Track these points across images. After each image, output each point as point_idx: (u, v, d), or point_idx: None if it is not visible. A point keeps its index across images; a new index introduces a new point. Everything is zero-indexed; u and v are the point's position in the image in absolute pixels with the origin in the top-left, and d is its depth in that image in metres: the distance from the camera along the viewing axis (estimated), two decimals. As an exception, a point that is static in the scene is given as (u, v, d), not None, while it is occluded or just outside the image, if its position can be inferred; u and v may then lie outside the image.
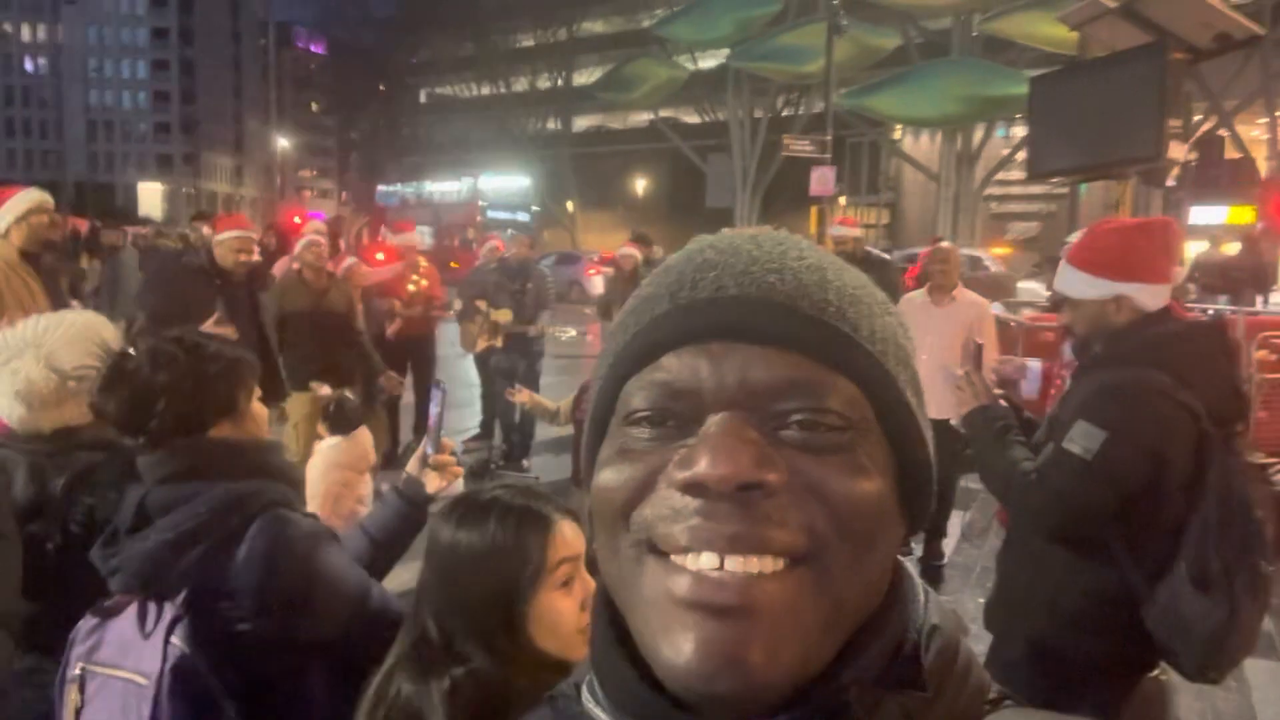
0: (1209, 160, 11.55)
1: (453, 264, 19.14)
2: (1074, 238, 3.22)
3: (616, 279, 8.30)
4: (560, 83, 52.05)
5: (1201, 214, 18.79)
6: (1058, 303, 2.50)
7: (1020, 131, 25.53)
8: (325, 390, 4.97)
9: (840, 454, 0.52)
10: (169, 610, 1.57)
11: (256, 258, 5.23)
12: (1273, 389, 6.30)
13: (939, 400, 2.05)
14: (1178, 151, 7.54)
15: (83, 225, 14.91)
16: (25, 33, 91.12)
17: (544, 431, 7.22)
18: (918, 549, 5.29)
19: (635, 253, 8.08)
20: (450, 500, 1.52)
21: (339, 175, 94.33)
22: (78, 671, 1.62)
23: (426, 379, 7.63)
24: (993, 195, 34.04)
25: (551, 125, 53.23)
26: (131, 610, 1.60)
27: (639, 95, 36.79)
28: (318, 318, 5.72)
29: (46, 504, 1.93)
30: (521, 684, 1.31)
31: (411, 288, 7.60)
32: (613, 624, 0.57)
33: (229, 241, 4.97)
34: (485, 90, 56.95)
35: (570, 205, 41.35)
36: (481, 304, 7.52)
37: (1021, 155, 16.84)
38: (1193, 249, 13.43)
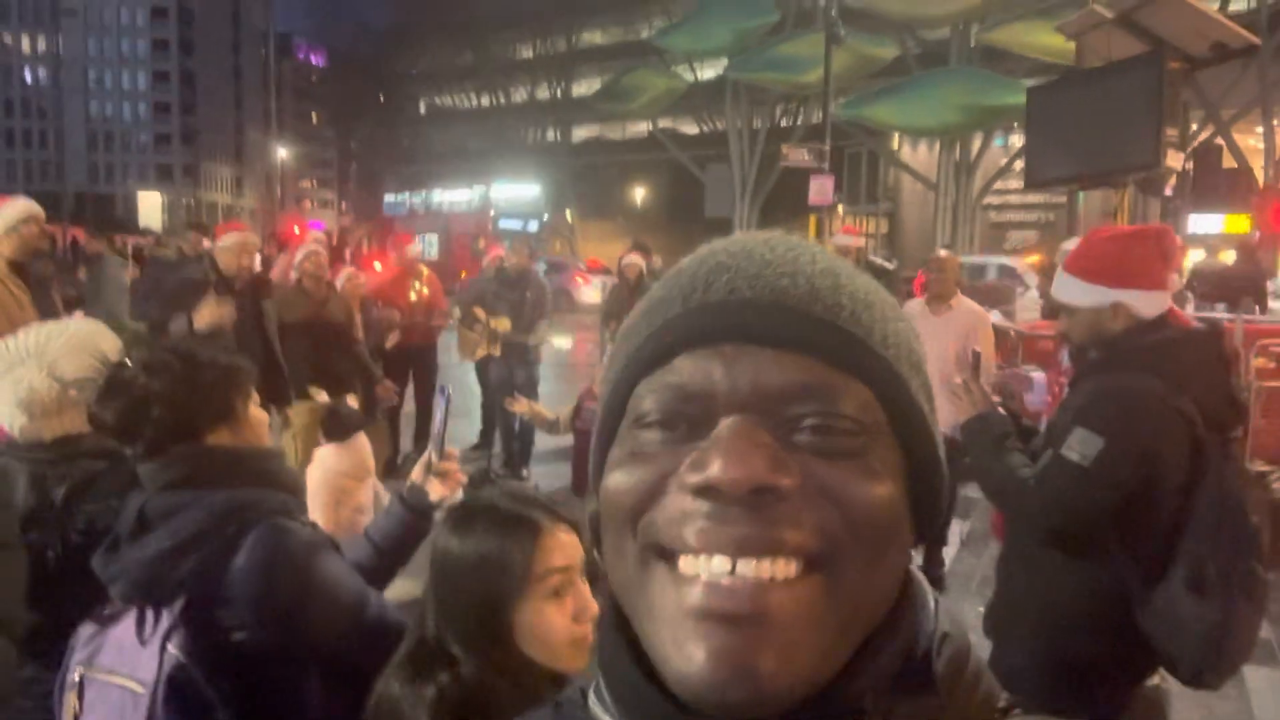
0: (1206, 169, 11.61)
1: (463, 273, 19.11)
2: (1070, 245, 3.23)
3: (620, 287, 8.31)
4: (559, 93, 52.22)
5: (1199, 223, 18.84)
6: (1055, 310, 2.50)
7: (1018, 140, 25.54)
8: (323, 398, 4.98)
9: (853, 458, 0.51)
10: (166, 618, 1.57)
11: (259, 267, 5.26)
12: (1271, 397, 6.31)
13: (939, 410, 2.05)
14: (1175, 160, 7.56)
15: (83, 236, 14.96)
16: (25, 44, 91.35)
17: (543, 441, 7.22)
18: (917, 557, 5.29)
19: (639, 261, 8.09)
20: (449, 507, 1.53)
21: (339, 185, 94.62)
22: (76, 677, 1.62)
23: (428, 388, 7.64)
24: (991, 204, 34.10)
25: (551, 136, 53.37)
26: (131, 617, 1.60)
27: (637, 106, 36.89)
28: (317, 327, 5.74)
29: (47, 513, 1.93)
30: (507, 692, 1.32)
31: (413, 297, 7.62)
32: (620, 628, 0.56)
33: (231, 246, 5.01)
34: (485, 101, 57.13)
35: (569, 215, 41.44)
36: (480, 312, 7.53)
37: (1019, 164, 16.86)
38: (1192, 257, 13.47)
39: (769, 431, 0.51)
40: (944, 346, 4.79)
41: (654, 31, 36.69)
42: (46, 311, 4.37)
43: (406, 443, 7.60)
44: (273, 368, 5.11)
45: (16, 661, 1.77)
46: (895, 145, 36.45)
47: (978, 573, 5.37)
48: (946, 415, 2.56)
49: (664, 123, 41.56)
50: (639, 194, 51.27)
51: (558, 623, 1.38)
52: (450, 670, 1.36)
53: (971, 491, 5.28)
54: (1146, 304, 2.23)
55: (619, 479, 0.54)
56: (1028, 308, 12.96)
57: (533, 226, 34.21)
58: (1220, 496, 2.09)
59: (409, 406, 7.64)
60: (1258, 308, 11.72)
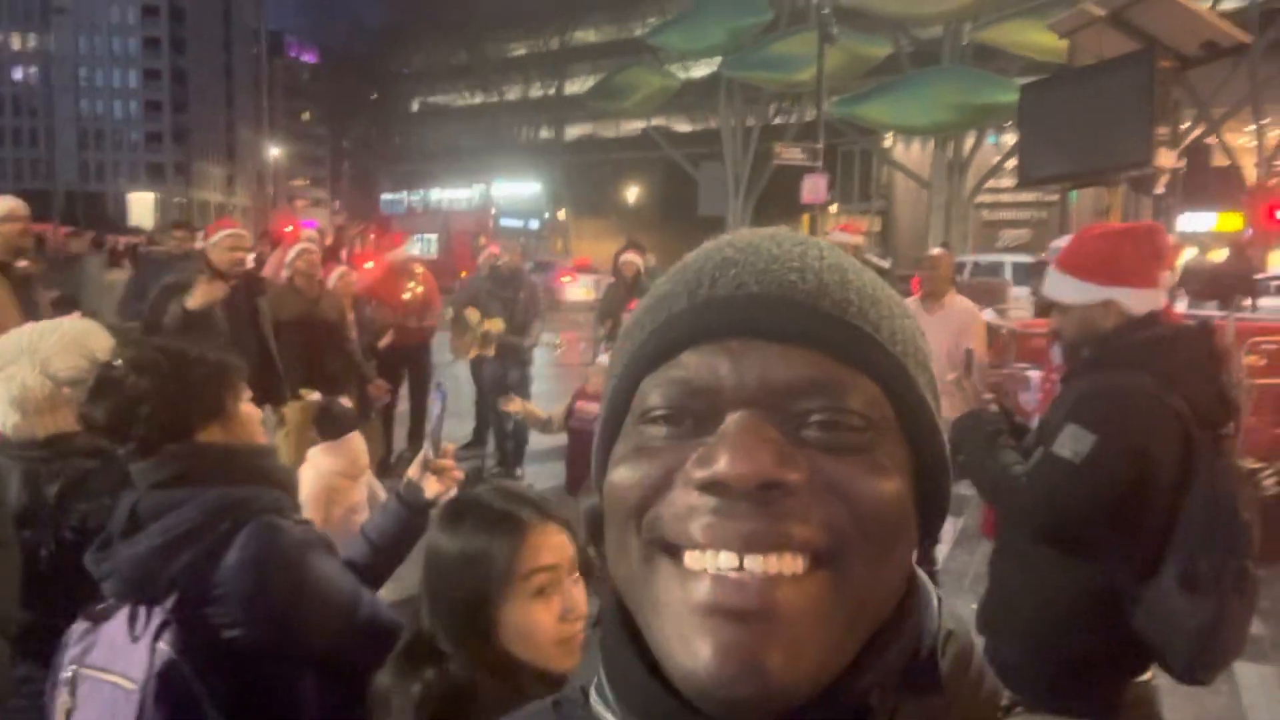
0: (1197, 168, 11.64)
1: (464, 272, 19.10)
2: (1061, 242, 3.25)
3: (616, 286, 8.31)
4: (553, 92, 52.20)
5: (1190, 221, 18.91)
6: (1046, 307, 2.51)
7: (1011, 139, 25.62)
8: (316, 397, 4.97)
9: (861, 454, 0.51)
10: (158, 615, 1.57)
11: (251, 264, 5.25)
12: (1263, 394, 6.34)
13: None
14: (1166, 159, 7.58)
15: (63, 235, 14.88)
16: (15, 41, 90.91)
17: (537, 440, 7.22)
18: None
19: (636, 259, 8.10)
20: (443, 503, 1.53)
21: (331, 184, 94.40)
22: (69, 674, 1.62)
23: (423, 388, 7.63)
24: (984, 203, 34.17)
25: (544, 134, 53.34)
26: (123, 614, 1.60)
27: (631, 104, 36.85)
28: (309, 326, 5.73)
29: (40, 511, 1.93)
30: (493, 689, 1.32)
31: (407, 296, 7.60)
32: (623, 625, 0.56)
33: (222, 241, 5.00)
34: (478, 99, 57.07)
35: (562, 213, 41.45)
36: (472, 315, 7.51)
37: (1012, 163, 16.91)
38: (1184, 256, 13.53)
39: (776, 427, 0.50)
40: (937, 344, 4.74)
41: (647, 30, 36.67)
42: (30, 311, 4.34)
43: (400, 442, 7.59)
44: (268, 365, 5.10)
45: (10, 660, 1.76)
46: (888, 144, 36.50)
47: (970, 570, 5.38)
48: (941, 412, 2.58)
49: (657, 121, 41.55)
50: (632, 192, 51.29)
51: (543, 621, 1.37)
52: (438, 666, 1.36)
53: (964, 489, 5.26)
54: (1138, 301, 2.24)
55: (624, 474, 0.54)
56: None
57: (534, 225, 34.09)
58: (1212, 494, 2.10)
59: (403, 405, 7.63)
60: (1249, 305, 11.79)
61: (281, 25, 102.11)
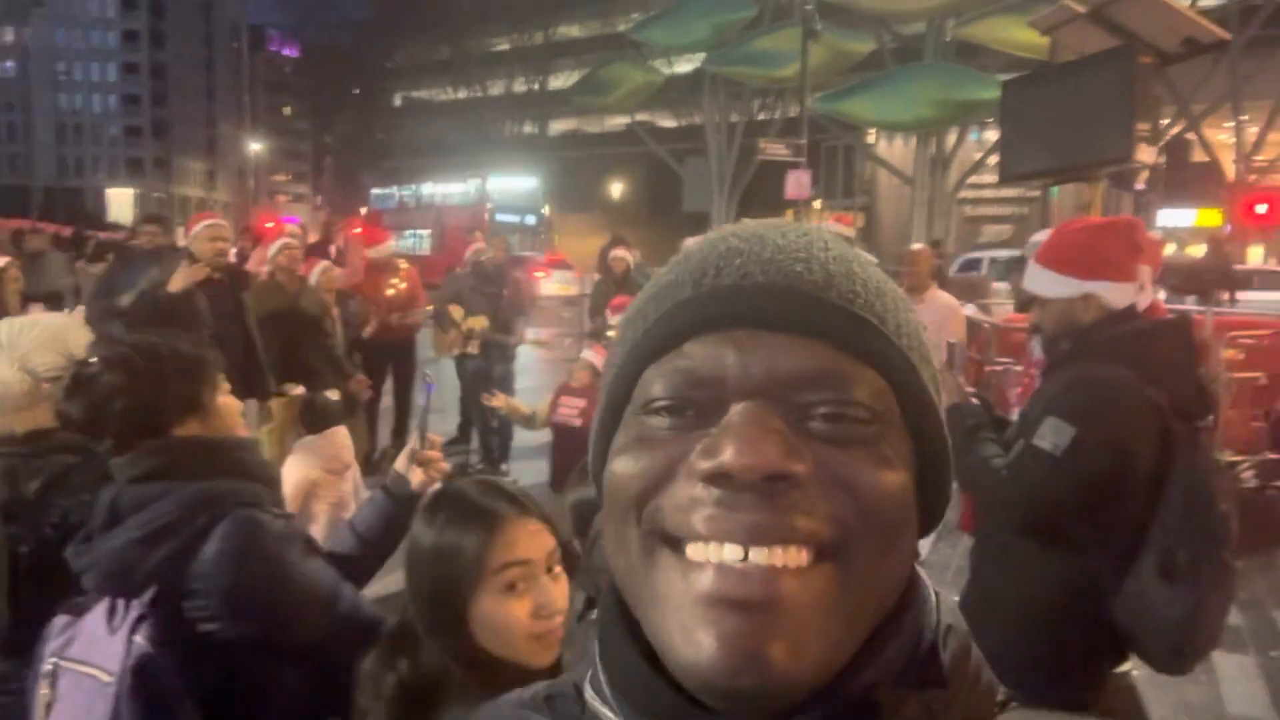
0: (1177, 164, 11.73)
1: (458, 269, 19.00)
2: (1041, 236, 3.27)
3: (604, 282, 8.31)
4: (536, 87, 52.06)
5: (1170, 217, 19.05)
6: (1026, 301, 2.53)
7: (993, 135, 25.77)
8: (300, 391, 4.96)
9: (866, 446, 0.51)
10: (136, 608, 1.56)
11: (233, 258, 5.22)
12: (1241, 388, 6.40)
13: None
14: (1147, 155, 7.63)
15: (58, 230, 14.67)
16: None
17: (522, 436, 7.21)
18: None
19: (627, 255, 8.12)
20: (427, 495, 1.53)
21: (313, 180, 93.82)
22: (50, 667, 1.61)
23: (407, 385, 7.62)
24: (966, 198, 34.34)
25: (528, 129, 53.19)
26: (103, 607, 1.60)
27: (615, 99, 36.78)
28: (290, 321, 5.70)
29: (20, 507, 1.91)
30: (462, 681, 1.32)
31: (390, 292, 7.57)
32: (622, 619, 0.55)
33: (203, 232, 4.99)
34: (461, 94, 56.84)
35: (546, 209, 41.37)
36: (456, 312, 7.49)
37: (994, 158, 17.00)
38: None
39: (781, 418, 0.50)
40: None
41: (631, 25, 36.58)
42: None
43: (384, 438, 7.57)
44: (252, 360, 5.09)
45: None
46: (871, 139, 36.60)
47: (953, 563, 5.41)
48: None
49: (642, 116, 41.51)
50: (617, 187, 51.23)
51: (515, 616, 1.36)
52: (412, 655, 1.37)
53: (947, 483, 5.31)
54: (1116, 295, 2.26)
55: (625, 465, 0.53)
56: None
57: (530, 220, 33.86)
58: (1190, 485, 2.13)
59: (387, 402, 7.60)
60: (1228, 300, 11.91)
61: (263, 19, 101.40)
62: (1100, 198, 9.82)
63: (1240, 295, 12.59)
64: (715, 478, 0.49)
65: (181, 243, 6.46)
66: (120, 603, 1.58)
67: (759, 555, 0.48)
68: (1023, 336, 6.88)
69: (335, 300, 6.68)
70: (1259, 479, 6.39)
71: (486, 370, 7.40)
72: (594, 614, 1.92)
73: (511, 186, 35.94)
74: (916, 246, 6.15)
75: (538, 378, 10.89)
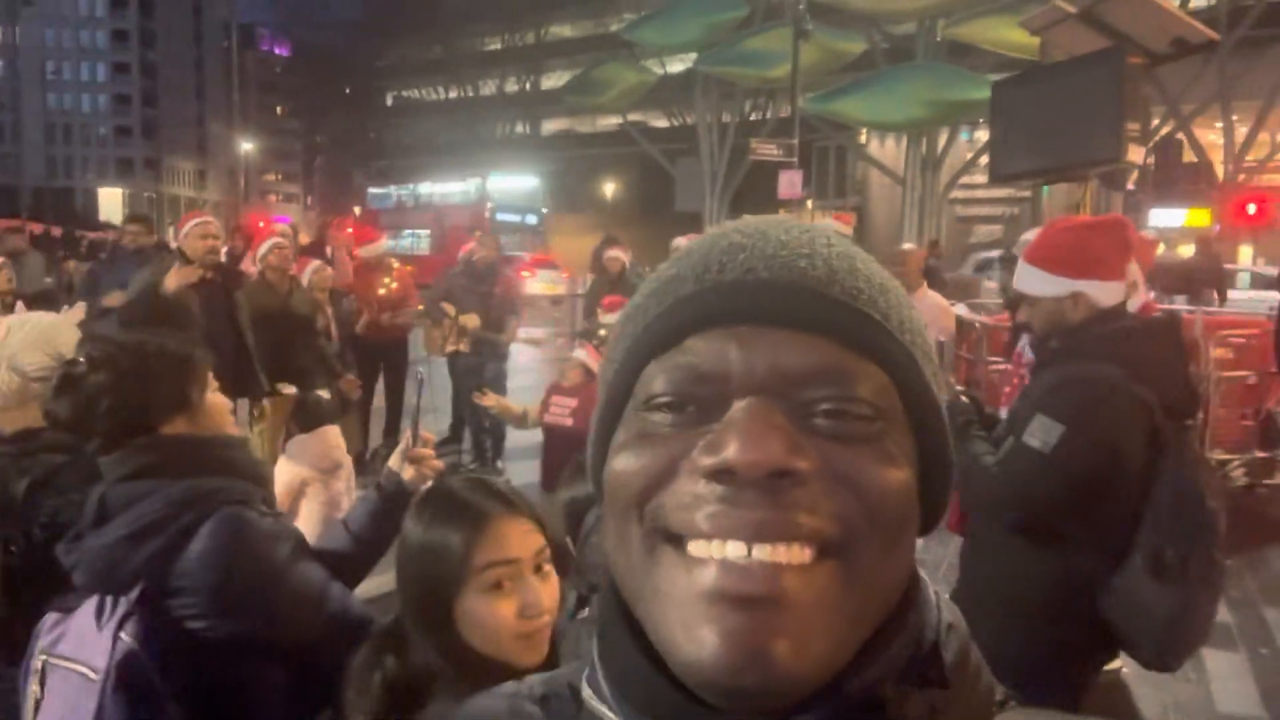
0: (1167, 164, 11.78)
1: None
2: (1030, 235, 3.28)
3: (599, 282, 8.31)
4: (529, 86, 51.99)
5: (1160, 216, 19.13)
6: (1015, 300, 2.54)
7: (984, 135, 25.82)
8: (291, 391, 4.95)
9: (870, 444, 0.50)
10: (123, 605, 1.56)
11: (223, 257, 5.22)
12: (1230, 387, 6.44)
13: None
14: (1137, 155, 7.66)
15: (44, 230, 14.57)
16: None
17: (515, 436, 7.20)
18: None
19: (622, 256, 8.13)
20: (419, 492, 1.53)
21: (304, 179, 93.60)
22: (39, 664, 1.61)
23: (399, 383, 7.61)
24: (957, 198, 34.39)
25: (520, 129, 53.14)
26: (92, 604, 1.60)
27: (607, 99, 36.77)
28: (280, 320, 5.69)
29: (9, 506, 1.91)
30: (448, 679, 1.32)
31: (382, 291, 7.56)
32: (623, 617, 0.55)
33: (193, 230, 4.99)
34: (453, 94, 56.75)
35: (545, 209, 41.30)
36: (449, 308, 7.48)
37: (985, 159, 17.05)
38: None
39: (785, 414, 0.49)
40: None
41: (623, 25, 36.58)
42: None
43: (376, 438, 7.55)
44: (245, 359, 5.08)
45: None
46: (863, 140, 36.66)
47: (945, 561, 5.42)
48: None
49: (634, 116, 41.51)
50: (609, 188, 51.19)
51: (501, 615, 1.35)
52: (401, 653, 1.37)
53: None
54: (1105, 293, 2.27)
55: (626, 461, 0.53)
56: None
57: (531, 220, 33.71)
58: (1179, 483, 2.14)
59: (379, 401, 7.59)
60: (1217, 299, 11.97)
61: (253, 18, 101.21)
62: (1090, 198, 9.86)
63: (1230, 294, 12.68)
64: (718, 474, 0.48)
65: (172, 244, 6.44)
66: (109, 600, 1.58)
67: (762, 552, 0.47)
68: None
69: (329, 300, 6.66)
70: (1248, 477, 6.42)
71: (479, 369, 7.39)
72: (585, 613, 1.92)
73: (512, 186, 35.79)
74: (907, 246, 6.17)
75: (530, 377, 10.88)
